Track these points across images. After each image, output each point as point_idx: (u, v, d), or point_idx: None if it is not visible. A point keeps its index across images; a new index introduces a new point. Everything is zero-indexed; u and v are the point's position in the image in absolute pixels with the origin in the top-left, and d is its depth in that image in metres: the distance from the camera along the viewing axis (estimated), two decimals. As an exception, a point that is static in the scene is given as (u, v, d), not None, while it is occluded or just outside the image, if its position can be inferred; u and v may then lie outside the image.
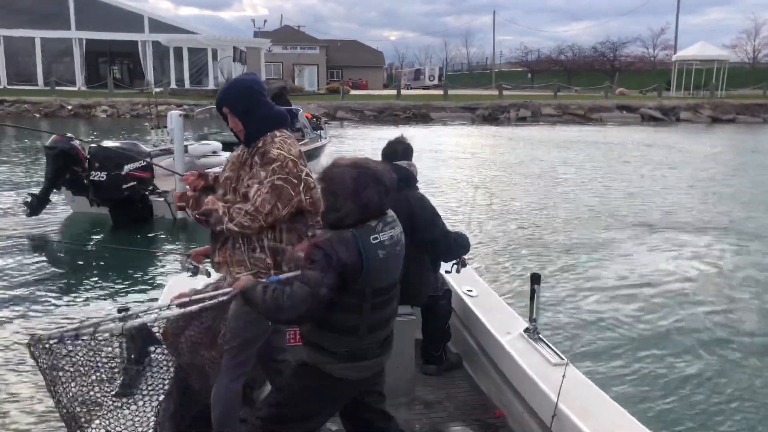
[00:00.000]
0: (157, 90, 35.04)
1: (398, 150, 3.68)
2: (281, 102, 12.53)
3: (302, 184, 2.66)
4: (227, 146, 10.85)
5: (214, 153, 10.48)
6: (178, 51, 38.95)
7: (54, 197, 9.51)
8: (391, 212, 2.43)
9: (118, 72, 42.98)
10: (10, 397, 4.43)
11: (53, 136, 8.97)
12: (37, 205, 8.95)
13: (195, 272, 3.04)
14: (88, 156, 8.81)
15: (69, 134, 9.09)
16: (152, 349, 2.64)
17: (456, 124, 30.17)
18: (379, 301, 2.38)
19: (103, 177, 8.67)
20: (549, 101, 34.57)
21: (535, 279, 3.05)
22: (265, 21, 65.97)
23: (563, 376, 2.34)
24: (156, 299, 4.24)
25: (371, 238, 2.31)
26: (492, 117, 32.14)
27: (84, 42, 39.13)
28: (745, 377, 4.82)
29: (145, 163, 9.06)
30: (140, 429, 2.37)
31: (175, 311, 2.44)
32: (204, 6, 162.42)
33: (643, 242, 8.94)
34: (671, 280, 7.16)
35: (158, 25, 39.86)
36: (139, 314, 2.50)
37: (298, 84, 47.27)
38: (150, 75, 39.51)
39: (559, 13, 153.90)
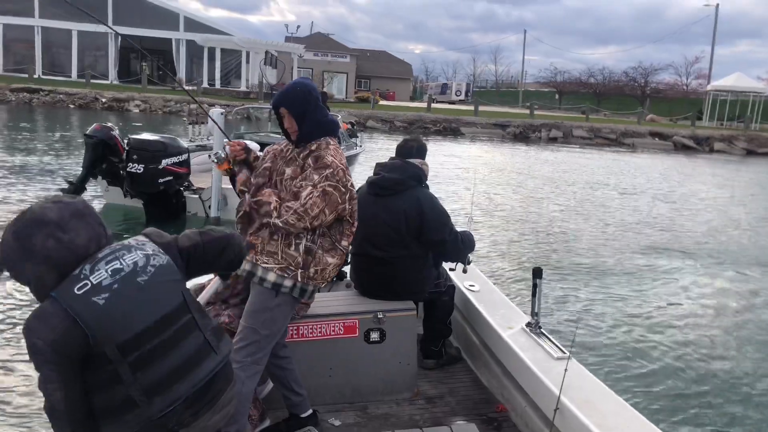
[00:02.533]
0: (188, 88, 35.23)
1: (413, 147, 3.71)
2: (320, 107, 12.42)
3: (348, 194, 2.74)
4: (264, 147, 10.66)
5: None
6: (210, 51, 39.23)
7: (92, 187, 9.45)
8: (115, 245, 1.89)
9: (148, 68, 43.37)
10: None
11: (94, 124, 8.86)
12: (73, 193, 8.84)
13: (222, 160, 3.00)
14: (126, 147, 8.68)
15: (110, 124, 8.97)
16: None
17: (487, 141, 29.90)
18: (142, 354, 1.78)
19: (140, 169, 8.53)
20: (581, 123, 34.17)
21: (537, 273, 3.03)
22: (298, 27, 66.43)
23: (565, 370, 2.27)
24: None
25: (75, 289, 1.73)
26: (523, 135, 31.85)
27: (119, 36, 39.53)
28: (747, 372, 4.82)
29: (182, 158, 8.91)
30: None
31: None
32: (233, 8, 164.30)
33: (655, 256, 8.80)
34: (678, 284, 7.13)
35: (193, 24, 40.22)
36: None
37: (327, 91, 47.37)
38: (182, 73, 39.80)
39: (586, 36, 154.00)
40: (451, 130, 31.27)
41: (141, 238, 1.95)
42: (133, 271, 1.82)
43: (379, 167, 3.65)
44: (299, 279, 2.72)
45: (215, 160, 2.96)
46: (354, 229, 2.87)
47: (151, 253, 1.88)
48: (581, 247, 8.42)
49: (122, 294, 1.77)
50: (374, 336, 3.28)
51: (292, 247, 2.72)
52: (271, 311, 2.70)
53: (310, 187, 2.65)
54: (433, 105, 38.22)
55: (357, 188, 3.67)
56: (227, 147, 2.95)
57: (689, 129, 35.45)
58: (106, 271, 1.78)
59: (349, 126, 13.88)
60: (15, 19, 38.20)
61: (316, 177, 2.67)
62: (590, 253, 8.10)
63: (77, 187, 8.85)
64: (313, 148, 2.75)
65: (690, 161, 26.53)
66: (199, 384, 1.87)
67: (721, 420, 4.21)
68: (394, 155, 3.77)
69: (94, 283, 1.75)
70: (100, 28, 38.75)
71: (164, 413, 1.80)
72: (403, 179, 3.52)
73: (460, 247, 3.58)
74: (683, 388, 4.49)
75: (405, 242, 3.45)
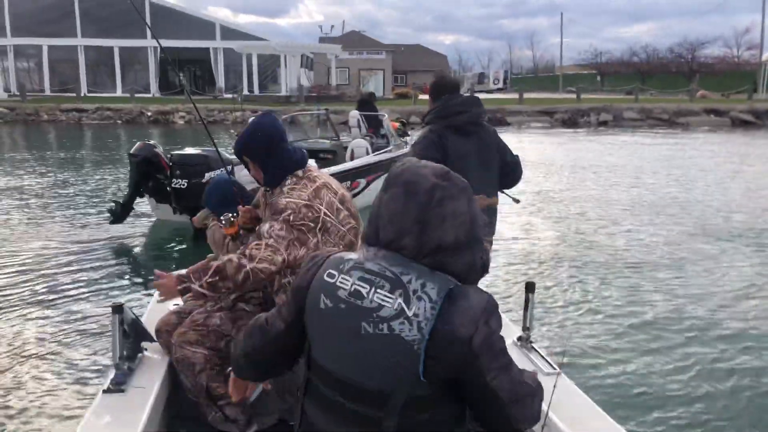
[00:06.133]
0: (228, 96, 35.44)
1: (455, 82, 3.79)
2: (368, 108, 12.05)
3: (318, 226, 2.56)
4: (312, 153, 10.36)
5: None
6: (248, 58, 39.42)
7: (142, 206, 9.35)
8: (392, 270, 1.37)
9: (185, 79, 43.81)
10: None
11: (137, 143, 8.70)
12: (120, 213, 8.81)
13: (230, 224, 3.02)
14: (170, 163, 8.50)
15: (152, 141, 8.80)
16: (144, 345, 2.80)
17: (534, 129, 29.13)
18: (317, 389, 1.47)
19: (183, 184, 8.34)
20: (630, 105, 32.97)
21: (530, 287, 2.94)
22: (332, 26, 66.27)
23: (554, 386, 2.18)
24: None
25: (327, 272, 1.43)
26: (571, 121, 30.91)
27: (158, 50, 40.12)
28: (748, 395, 4.42)
29: (226, 170, 8.65)
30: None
31: None
32: (261, 13, 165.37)
33: (658, 256, 7.96)
34: (678, 294, 6.51)
35: (229, 33, 40.51)
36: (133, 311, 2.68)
37: (365, 90, 47.10)
38: (222, 81, 40.14)
39: (620, 14, 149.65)
40: (496, 120, 30.53)
41: (433, 296, 1.33)
42: (368, 311, 1.34)
43: (456, 104, 3.42)
44: None
45: (224, 223, 2.96)
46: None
47: (411, 316, 1.31)
48: (582, 261, 7.72)
49: (338, 320, 1.38)
50: None
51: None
52: None
53: (267, 224, 2.55)
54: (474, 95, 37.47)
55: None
56: (239, 213, 2.96)
57: (746, 103, 33.79)
58: (353, 283, 1.38)
59: (399, 125, 13.41)
60: (59, 40, 39.15)
61: (275, 225, 2.52)
62: (591, 268, 7.39)
63: (124, 206, 8.78)
64: (275, 192, 2.66)
65: (759, 139, 25.17)
66: None
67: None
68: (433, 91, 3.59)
69: (340, 284, 1.39)
70: (139, 43, 39.48)
71: None
72: (484, 111, 3.54)
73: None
74: (679, 411, 4.21)
75: (498, 174, 3.50)
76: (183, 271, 2.52)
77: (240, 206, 2.97)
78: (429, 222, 1.35)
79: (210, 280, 2.41)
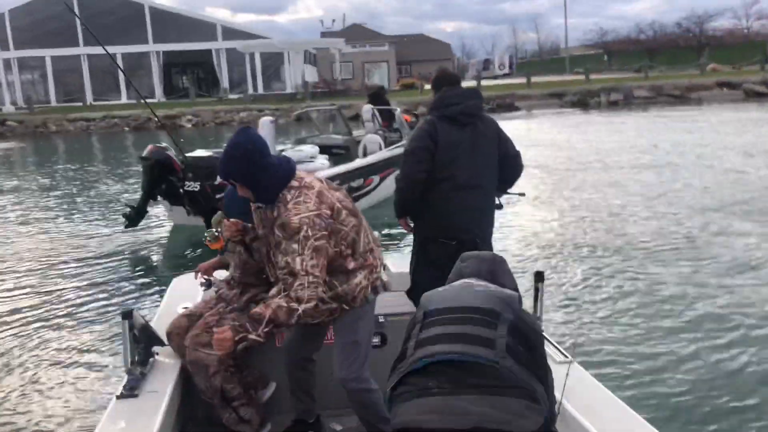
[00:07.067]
0: (234, 97, 35.33)
1: (457, 75, 3.81)
2: (380, 102, 11.83)
3: (331, 233, 2.58)
4: (324, 149, 10.18)
5: (311, 158, 9.73)
6: (251, 57, 39.27)
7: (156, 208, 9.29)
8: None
9: (188, 81, 43.74)
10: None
11: (149, 146, 8.57)
12: (134, 217, 8.73)
13: (209, 285, 3.24)
14: (182, 166, 8.36)
15: (164, 144, 8.66)
16: (156, 350, 2.85)
17: (544, 112, 28.76)
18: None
19: (196, 187, 8.22)
20: (641, 83, 32.49)
21: (539, 277, 3.01)
22: (333, 21, 66.02)
23: (567, 374, 2.26)
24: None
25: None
26: (581, 102, 30.49)
27: (161, 54, 40.08)
28: (760, 379, 4.34)
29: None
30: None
31: None
32: (260, 11, 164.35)
33: (664, 243, 7.61)
34: (693, 278, 6.36)
35: (230, 33, 40.37)
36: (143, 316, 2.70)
37: (369, 83, 46.78)
38: (225, 82, 40.03)
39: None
40: (505, 106, 30.13)
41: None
42: (478, 285, 2.06)
43: (452, 96, 3.49)
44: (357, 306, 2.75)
45: (208, 239, 2.94)
46: (350, 251, 2.69)
47: (506, 289, 2.08)
48: (591, 244, 7.60)
49: (456, 288, 2.05)
50: (375, 340, 3.19)
51: (326, 307, 2.67)
52: (361, 319, 2.81)
53: (298, 258, 2.48)
54: (483, 82, 37.04)
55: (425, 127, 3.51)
56: (223, 226, 2.89)
57: (759, 74, 33.20)
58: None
59: (412, 118, 13.19)
60: (61, 50, 39.14)
61: (294, 246, 2.49)
62: (601, 255, 7.23)
63: (138, 211, 8.70)
64: (275, 214, 2.57)
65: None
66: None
67: (731, 428, 3.84)
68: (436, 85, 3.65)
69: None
70: (141, 48, 39.42)
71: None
72: (482, 103, 3.58)
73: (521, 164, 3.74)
74: (691, 396, 4.17)
75: (496, 166, 3.54)
76: (235, 322, 2.58)
77: (225, 220, 2.90)
78: (496, 272, 2.16)
79: (266, 329, 2.45)
